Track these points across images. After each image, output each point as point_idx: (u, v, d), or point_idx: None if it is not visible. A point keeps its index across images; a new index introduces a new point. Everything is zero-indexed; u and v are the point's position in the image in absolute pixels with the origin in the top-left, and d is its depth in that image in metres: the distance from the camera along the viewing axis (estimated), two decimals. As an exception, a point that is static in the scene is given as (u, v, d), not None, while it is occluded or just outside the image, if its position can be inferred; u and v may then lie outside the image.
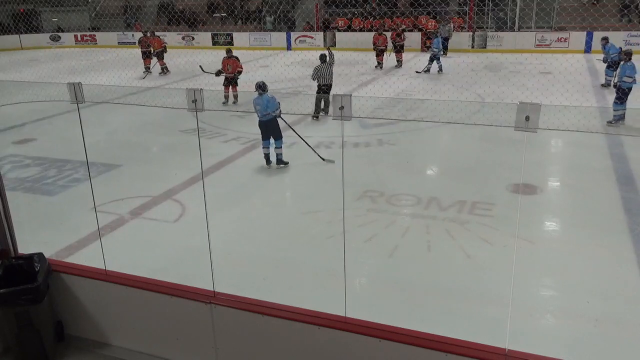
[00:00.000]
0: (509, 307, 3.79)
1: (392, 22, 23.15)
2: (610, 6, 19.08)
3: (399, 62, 17.35)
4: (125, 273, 3.52)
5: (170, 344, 3.41)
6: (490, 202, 6.17)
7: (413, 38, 20.95)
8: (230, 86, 12.30)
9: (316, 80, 10.64)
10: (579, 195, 6.54)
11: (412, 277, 4.77)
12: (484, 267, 4.82)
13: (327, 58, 10.62)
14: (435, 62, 15.71)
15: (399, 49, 17.22)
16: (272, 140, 7.68)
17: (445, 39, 19.68)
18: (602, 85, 12.84)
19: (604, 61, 12.71)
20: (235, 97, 12.34)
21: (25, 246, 3.81)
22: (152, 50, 16.68)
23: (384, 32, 17.23)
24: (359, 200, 6.31)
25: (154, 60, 16.76)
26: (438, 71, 15.99)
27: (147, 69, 16.76)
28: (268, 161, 7.75)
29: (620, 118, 9.20)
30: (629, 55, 9.18)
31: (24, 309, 3.36)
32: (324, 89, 10.70)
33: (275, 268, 4.96)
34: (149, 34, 16.95)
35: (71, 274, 3.59)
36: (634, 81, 9.04)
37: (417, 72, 15.84)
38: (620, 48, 12.42)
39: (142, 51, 16.75)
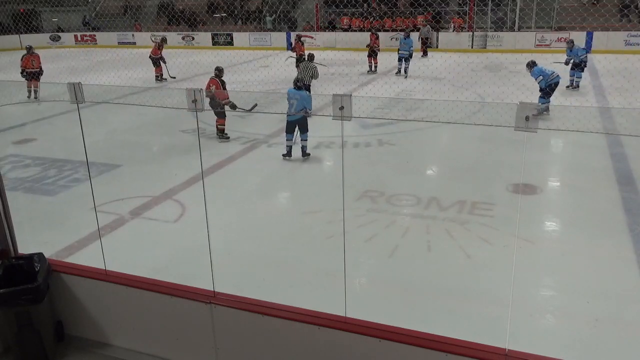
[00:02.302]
0: (509, 307, 3.79)
1: (392, 22, 23.19)
2: (610, 6, 19.10)
3: (371, 67, 16.50)
4: (125, 273, 3.52)
5: (170, 344, 3.41)
6: (490, 202, 6.17)
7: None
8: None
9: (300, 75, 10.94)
10: (579, 195, 6.54)
11: (412, 277, 4.77)
12: (484, 267, 4.82)
13: (314, 59, 11.10)
14: (403, 62, 15.51)
15: (371, 53, 16.35)
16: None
17: (425, 39, 19.62)
18: (568, 86, 12.68)
19: (566, 63, 12.69)
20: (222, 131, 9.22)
21: (25, 246, 3.81)
22: (22, 70, 13.25)
23: (300, 40, 15.54)
24: (359, 200, 6.31)
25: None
26: (396, 72, 15.70)
27: (31, 93, 13.30)
28: (289, 154, 7.93)
29: (544, 110, 9.94)
30: (530, 65, 10.12)
31: (24, 309, 3.36)
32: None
33: (275, 268, 4.96)
34: (28, 51, 13.44)
35: (71, 274, 3.59)
36: (550, 78, 9.86)
37: (398, 75, 15.64)
38: (586, 49, 12.52)
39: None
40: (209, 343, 3.26)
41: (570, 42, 12.90)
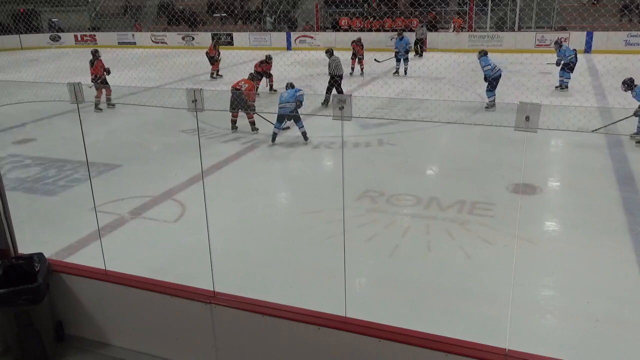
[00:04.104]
0: (509, 307, 3.79)
1: (392, 22, 23.19)
2: (610, 6, 19.08)
3: (353, 70, 16.19)
4: (125, 273, 3.52)
5: (170, 344, 3.41)
6: (490, 202, 6.17)
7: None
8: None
9: (335, 71, 11.56)
10: (579, 195, 6.54)
11: (412, 277, 4.77)
12: (484, 267, 4.82)
13: (334, 52, 11.77)
14: (402, 62, 15.46)
15: (354, 57, 16.04)
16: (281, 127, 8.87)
17: (419, 40, 19.50)
18: (557, 87, 12.70)
19: (557, 64, 12.68)
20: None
21: (25, 246, 3.81)
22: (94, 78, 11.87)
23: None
24: (359, 200, 6.31)
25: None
26: (394, 73, 15.61)
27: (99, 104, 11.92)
28: (274, 139, 8.82)
29: (494, 104, 10.79)
30: (481, 53, 10.95)
31: (24, 309, 3.36)
32: (338, 80, 11.63)
33: (275, 268, 4.96)
34: (95, 55, 12.03)
35: (71, 274, 3.59)
36: (494, 70, 10.66)
37: (396, 74, 15.44)
38: (574, 50, 12.50)
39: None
40: (209, 343, 3.26)
41: (558, 43, 12.89)
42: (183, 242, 5.41)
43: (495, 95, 10.81)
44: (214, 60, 16.25)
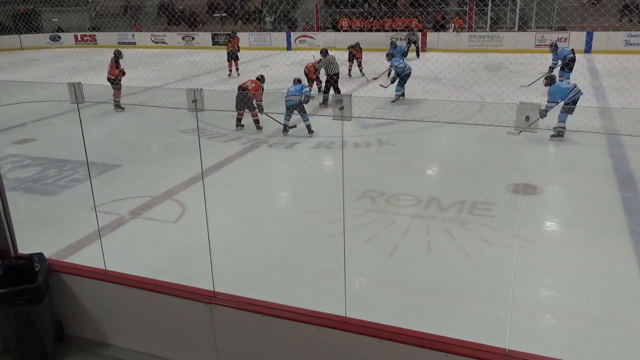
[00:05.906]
0: (509, 307, 3.79)
1: (392, 22, 23.18)
2: (610, 6, 19.09)
3: (350, 70, 16.05)
4: (125, 273, 3.52)
5: (170, 344, 3.41)
6: (490, 202, 6.17)
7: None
8: None
9: (331, 70, 11.71)
10: (579, 195, 6.54)
11: (412, 277, 4.77)
12: (484, 267, 4.82)
13: (328, 52, 11.87)
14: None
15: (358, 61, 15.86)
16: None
17: (413, 43, 19.37)
18: None
19: (551, 69, 12.65)
20: None
21: (25, 246, 3.81)
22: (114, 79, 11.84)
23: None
24: (359, 200, 6.31)
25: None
26: (388, 74, 15.37)
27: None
28: (285, 130, 9.26)
29: (399, 97, 11.76)
30: (390, 55, 12.54)
31: (24, 309, 3.36)
32: (335, 78, 11.76)
33: (275, 268, 4.96)
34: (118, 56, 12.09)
35: (71, 274, 3.59)
36: (405, 68, 11.62)
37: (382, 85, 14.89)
38: (573, 49, 12.52)
39: None
40: (208, 343, 3.26)
41: (554, 46, 12.81)
42: (183, 242, 5.41)
43: (403, 90, 11.78)
44: (229, 57, 16.50)
